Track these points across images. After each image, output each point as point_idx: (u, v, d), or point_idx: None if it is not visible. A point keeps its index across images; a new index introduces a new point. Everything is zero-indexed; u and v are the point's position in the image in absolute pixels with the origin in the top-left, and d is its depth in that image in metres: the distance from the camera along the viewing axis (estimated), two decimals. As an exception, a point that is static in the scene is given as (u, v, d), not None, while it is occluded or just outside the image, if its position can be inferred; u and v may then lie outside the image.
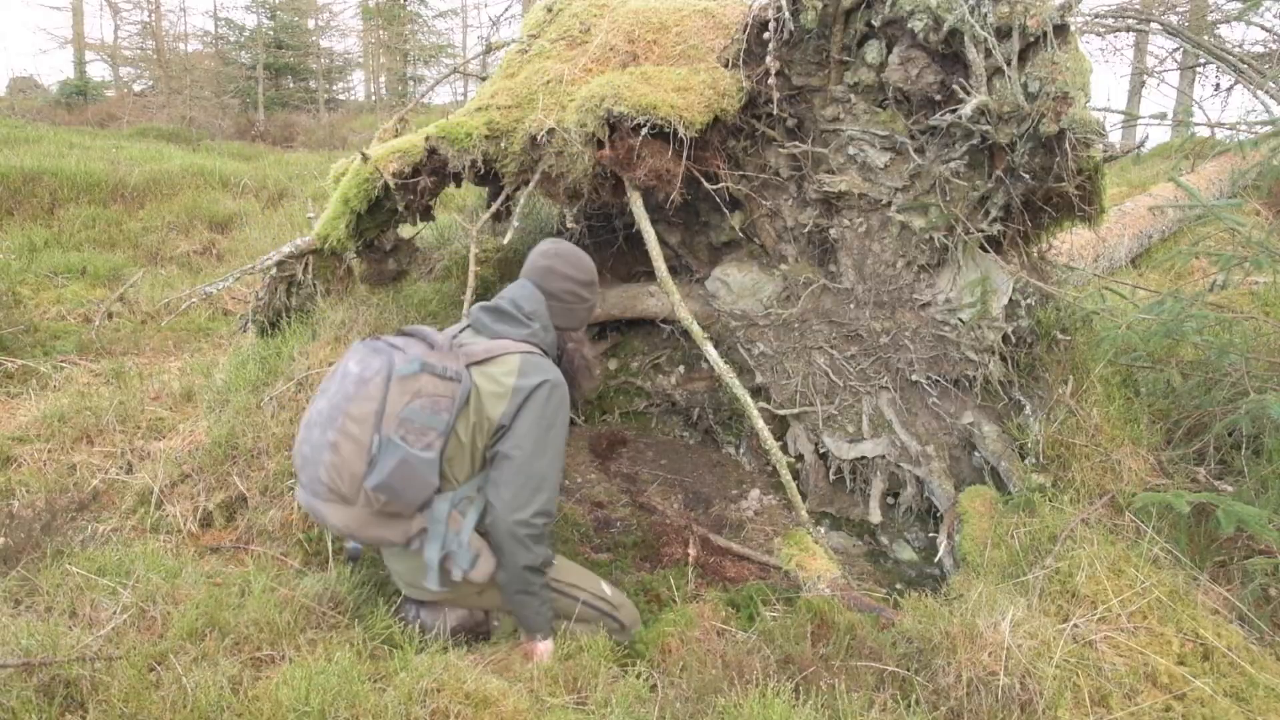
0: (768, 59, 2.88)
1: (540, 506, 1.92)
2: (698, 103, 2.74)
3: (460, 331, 2.12)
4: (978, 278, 2.89)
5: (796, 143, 3.10)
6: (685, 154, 2.76)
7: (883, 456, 3.12)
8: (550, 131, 2.76)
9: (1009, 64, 2.45)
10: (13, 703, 1.59)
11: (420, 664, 1.81)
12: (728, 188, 3.11)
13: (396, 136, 3.31)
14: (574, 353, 2.19)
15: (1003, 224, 2.84)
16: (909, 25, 2.57)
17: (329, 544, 2.50)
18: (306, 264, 3.23)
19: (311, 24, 19.51)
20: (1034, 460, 2.79)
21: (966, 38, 2.46)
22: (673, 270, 3.40)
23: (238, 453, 2.76)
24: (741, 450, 3.64)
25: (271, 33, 17.91)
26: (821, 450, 3.28)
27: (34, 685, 1.64)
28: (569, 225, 3.07)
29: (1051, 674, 1.83)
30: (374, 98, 21.96)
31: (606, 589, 2.21)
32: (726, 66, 2.96)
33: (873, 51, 2.77)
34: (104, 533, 2.53)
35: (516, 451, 1.91)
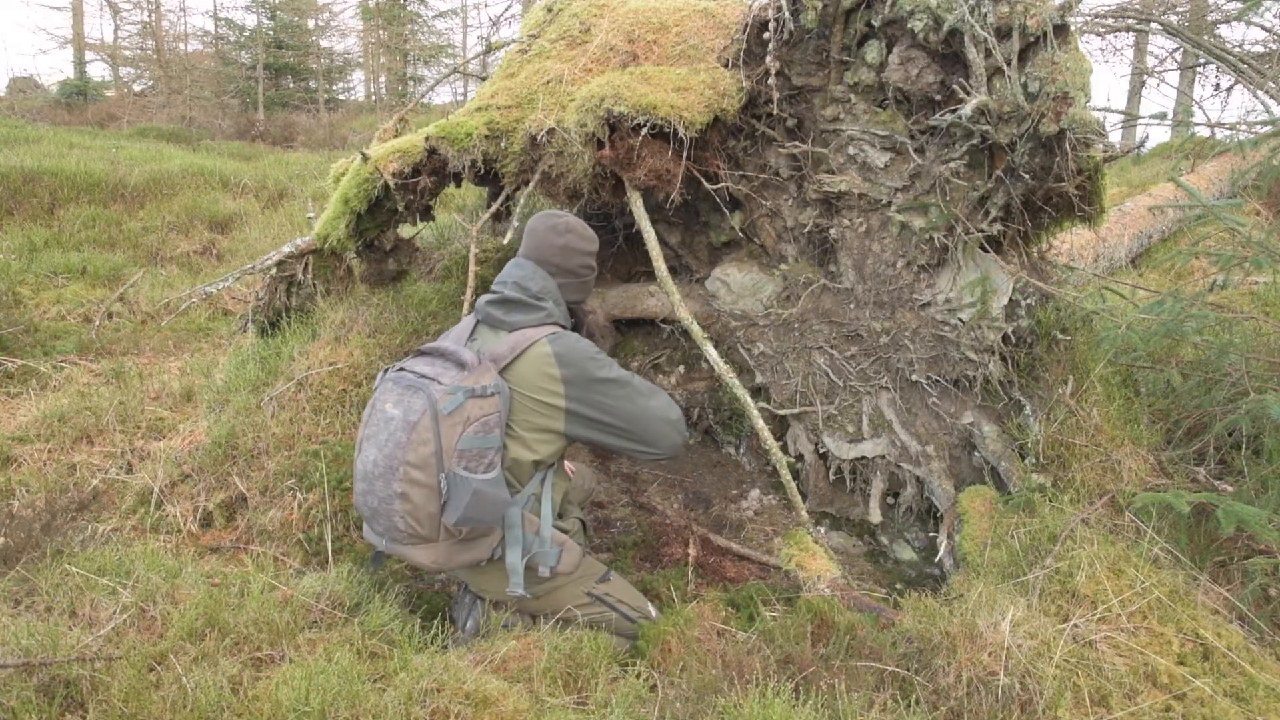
0: (768, 59, 2.87)
1: (670, 432, 2.02)
2: (698, 103, 2.74)
3: (473, 330, 2.10)
4: (978, 278, 2.89)
5: (796, 143, 3.10)
6: (685, 154, 2.75)
7: (883, 456, 3.12)
8: (550, 131, 2.76)
9: (1009, 64, 2.45)
10: (13, 703, 1.59)
11: (420, 664, 1.81)
12: (728, 188, 3.11)
13: (396, 136, 3.31)
14: (591, 321, 2.22)
15: (1003, 224, 2.84)
16: (909, 25, 2.57)
17: (329, 544, 2.50)
18: (306, 264, 3.23)
19: (311, 24, 19.51)
20: (1034, 460, 2.79)
21: (966, 38, 2.46)
22: (673, 270, 3.40)
23: (238, 453, 2.77)
24: (741, 450, 3.64)
25: (271, 33, 17.91)
26: (821, 450, 3.28)
27: (34, 685, 1.64)
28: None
29: (1051, 674, 1.83)
30: (374, 98, 21.95)
31: (652, 611, 2.25)
32: (726, 66, 2.96)
33: (873, 51, 2.77)
34: (104, 533, 2.53)
35: (615, 422, 1.97)
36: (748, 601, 2.40)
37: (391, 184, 2.82)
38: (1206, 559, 2.33)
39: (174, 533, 2.57)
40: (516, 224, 2.97)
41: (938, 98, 2.70)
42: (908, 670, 1.93)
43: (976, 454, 3.01)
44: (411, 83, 18.81)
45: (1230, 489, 2.47)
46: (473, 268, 3.01)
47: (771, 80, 2.88)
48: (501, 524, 1.95)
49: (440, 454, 1.80)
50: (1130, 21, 3.84)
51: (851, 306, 3.17)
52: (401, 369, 1.94)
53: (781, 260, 3.36)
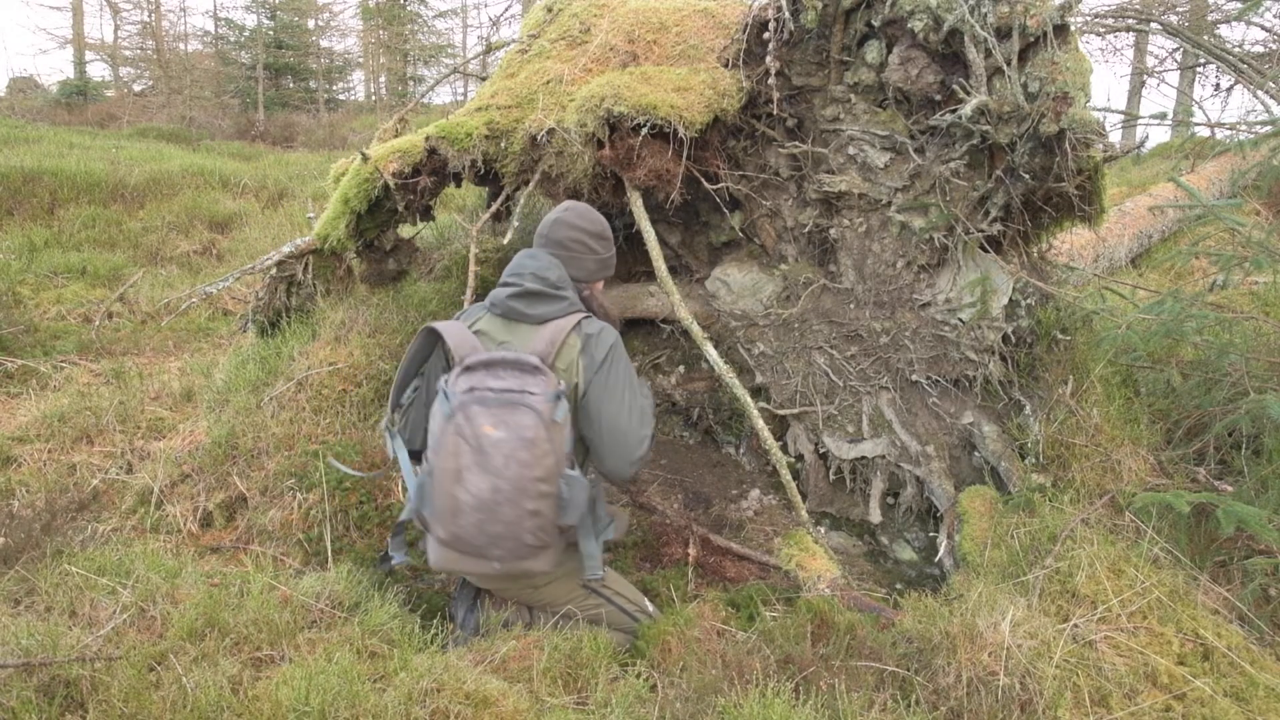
0: (768, 59, 2.87)
1: (622, 463, 1.97)
2: (698, 103, 2.74)
3: (476, 322, 2.04)
4: (978, 278, 2.89)
5: (796, 143, 3.10)
6: (685, 154, 2.76)
7: (883, 456, 3.12)
8: (550, 131, 2.76)
9: (1009, 64, 2.45)
10: (13, 703, 1.59)
11: (420, 664, 1.81)
12: (728, 188, 3.11)
13: (396, 136, 3.31)
14: (589, 300, 2.18)
15: (1003, 224, 2.84)
16: (909, 25, 2.57)
17: (328, 544, 2.50)
18: (306, 264, 3.23)
19: (311, 24, 19.51)
20: (1034, 460, 2.79)
21: (966, 38, 2.46)
22: (673, 270, 3.40)
23: (238, 453, 2.76)
24: (741, 450, 3.64)
25: (271, 33, 17.92)
26: (821, 450, 3.28)
27: (34, 685, 1.64)
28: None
29: (1051, 674, 1.83)
30: (374, 98, 21.94)
31: (649, 606, 2.27)
32: (726, 66, 2.96)
33: (873, 51, 2.77)
34: (104, 533, 2.53)
35: (605, 411, 1.95)
36: (748, 601, 2.40)
37: (391, 184, 2.82)
38: (1206, 559, 2.33)
39: (174, 533, 2.57)
40: (516, 224, 2.97)
41: (938, 98, 2.70)
42: (908, 670, 1.93)
43: (976, 454, 3.01)
44: (411, 83, 18.81)
45: (1230, 489, 2.47)
46: (473, 268, 3.01)
47: (771, 80, 2.88)
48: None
49: (559, 462, 1.84)
50: (1130, 21, 3.84)
51: (851, 306, 3.17)
52: (472, 389, 1.83)
53: (781, 260, 3.36)
